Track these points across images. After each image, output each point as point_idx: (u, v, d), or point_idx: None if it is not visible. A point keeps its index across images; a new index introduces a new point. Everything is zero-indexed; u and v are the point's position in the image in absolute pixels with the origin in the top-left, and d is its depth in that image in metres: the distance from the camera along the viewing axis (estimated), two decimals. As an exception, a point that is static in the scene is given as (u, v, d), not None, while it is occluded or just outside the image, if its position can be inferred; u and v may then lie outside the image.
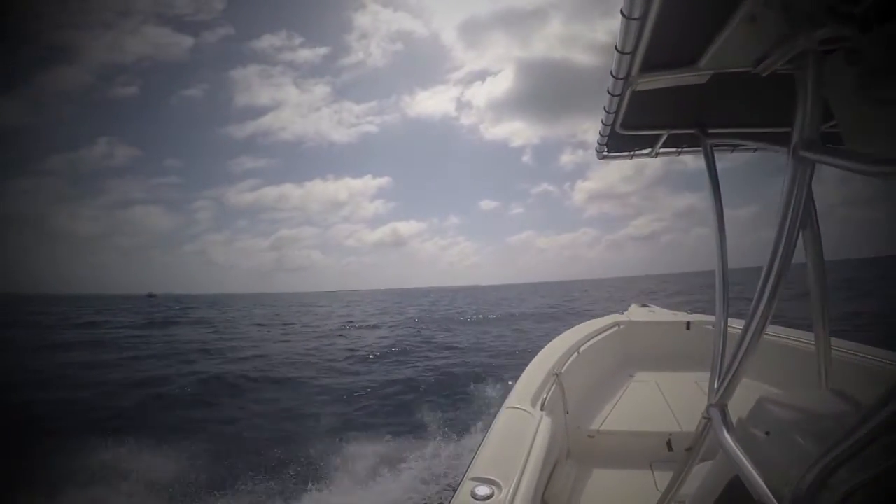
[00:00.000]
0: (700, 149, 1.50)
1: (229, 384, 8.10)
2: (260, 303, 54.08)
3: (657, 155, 1.84)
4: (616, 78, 1.10)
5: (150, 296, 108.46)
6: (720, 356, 1.17)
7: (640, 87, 1.16)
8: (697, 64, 1.06)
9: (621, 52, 0.97)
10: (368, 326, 18.54)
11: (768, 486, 0.77)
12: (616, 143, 1.75)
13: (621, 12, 0.87)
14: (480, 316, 21.75)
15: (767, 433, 0.88)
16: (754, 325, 0.94)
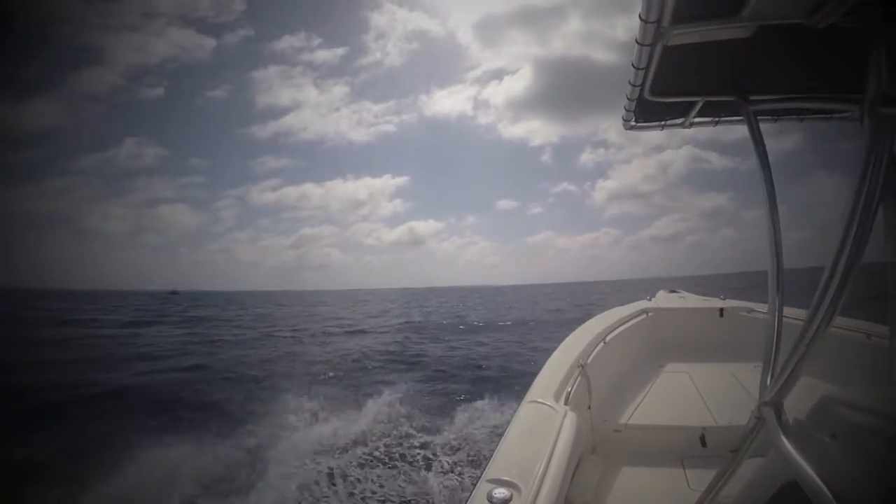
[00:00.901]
0: (740, 118, 1.40)
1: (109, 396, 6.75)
2: (273, 301, 53.47)
3: (691, 125, 1.70)
4: (646, 22, 0.98)
5: (173, 292, 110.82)
6: (773, 349, 1.09)
7: (672, 41, 1.04)
8: (740, 14, 0.94)
9: None
10: (352, 332, 16.76)
11: (834, 496, 0.69)
12: (645, 111, 1.63)
13: None
14: (481, 323, 19.68)
15: (833, 436, 0.78)
16: (820, 315, 0.84)
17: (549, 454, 1.20)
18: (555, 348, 2.35)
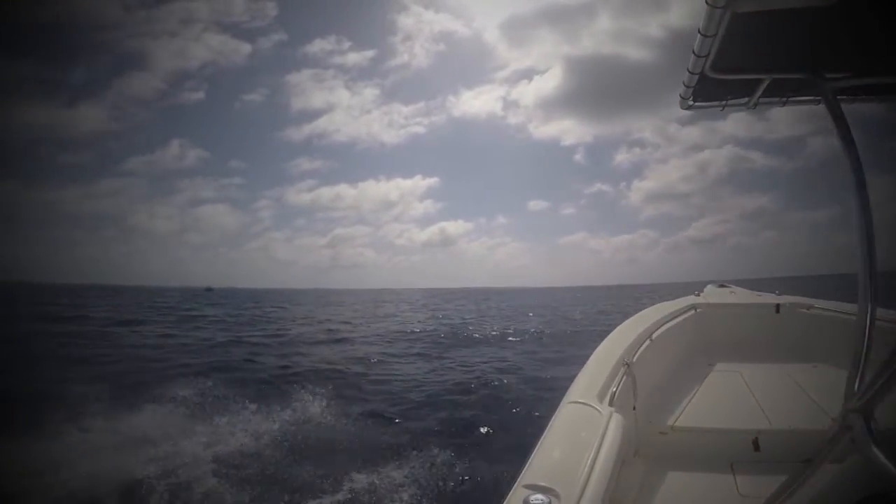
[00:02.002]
0: (812, 98, 1.35)
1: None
2: (293, 300, 52.92)
3: (756, 106, 1.60)
4: None
5: (208, 289, 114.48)
6: (864, 352, 1.02)
7: (743, 8, 0.99)
8: None
9: None
10: (330, 341, 14.80)
11: None
12: (705, 89, 1.54)
13: None
14: (494, 332, 17.24)
15: None
16: None
17: (593, 459, 1.10)
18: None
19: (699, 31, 1.10)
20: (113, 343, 13.57)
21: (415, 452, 4.55)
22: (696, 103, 1.60)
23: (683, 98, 1.57)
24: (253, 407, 5.82)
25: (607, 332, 2.54)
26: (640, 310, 3.15)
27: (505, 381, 7.76)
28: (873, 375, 0.87)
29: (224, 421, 5.36)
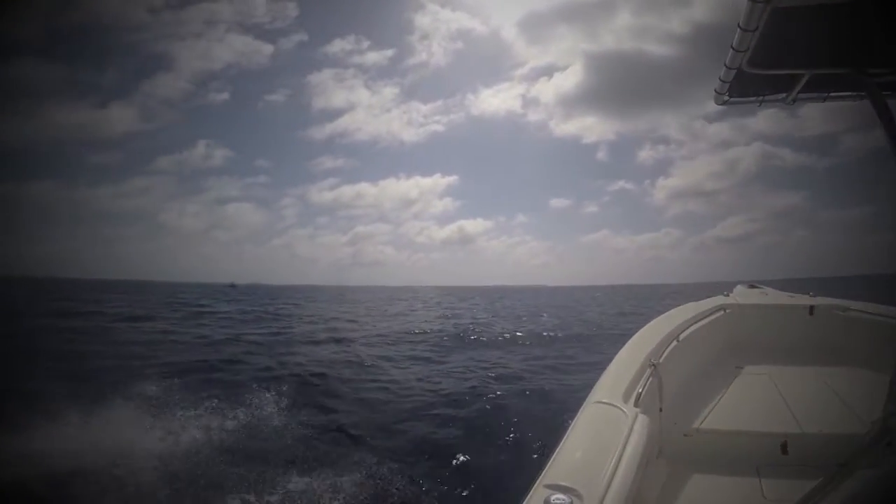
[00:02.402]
0: (855, 94, 1.34)
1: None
2: (308, 296, 53.05)
3: (794, 101, 1.60)
4: None
5: (232, 285, 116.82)
6: None
7: (784, 2, 0.99)
8: None
9: None
10: (339, 340, 14.21)
11: None
12: (741, 85, 1.53)
13: None
14: (504, 334, 16.36)
15: None
16: None
17: (617, 460, 1.08)
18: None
19: (739, 26, 1.11)
20: (111, 339, 13.36)
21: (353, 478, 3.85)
22: (732, 99, 1.59)
23: (719, 93, 1.57)
24: (208, 410, 5.67)
25: (623, 337, 2.44)
26: (663, 311, 3.01)
27: (502, 394, 6.90)
28: None
29: (175, 422, 5.32)
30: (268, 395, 6.50)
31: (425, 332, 16.14)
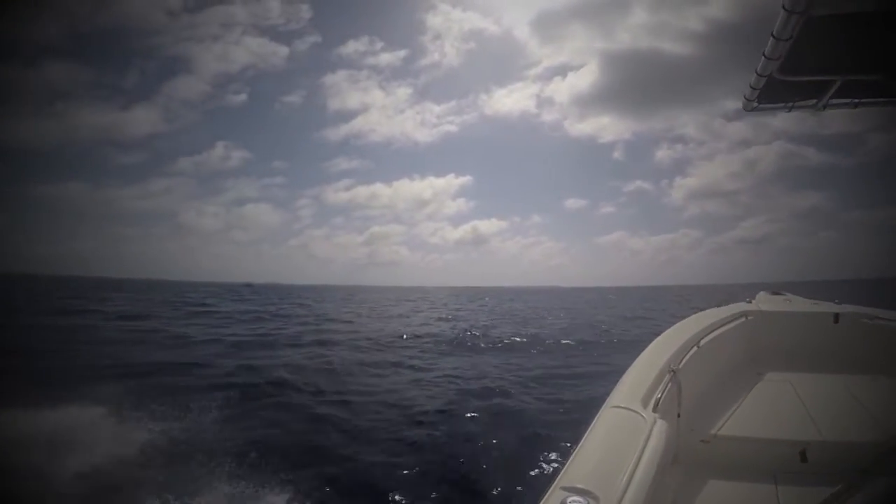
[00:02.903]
0: (887, 100, 1.35)
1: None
2: (325, 297, 52.95)
3: (825, 108, 1.60)
4: None
5: (248, 285, 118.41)
6: None
7: (819, 11, 0.99)
8: None
9: None
10: (323, 343, 13.54)
11: None
12: (770, 91, 1.53)
13: None
14: (504, 339, 15.48)
15: None
16: None
17: (635, 464, 1.07)
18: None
19: (772, 35, 1.11)
20: (96, 337, 13.08)
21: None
22: (762, 105, 1.63)
23: (748, 100, 1.60)
24: (144, 416, 5.44)
25: (633, 343, 2.46)
26: (679, 314, 2.97)
27: (477, 416, 6.00)
28: None
29: (107, 427, 5.13)
30: (210, 404, 5.90)
31: (421, 336, 15.36)
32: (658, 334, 2.43)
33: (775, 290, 3.97)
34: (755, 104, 1.58)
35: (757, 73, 1.34)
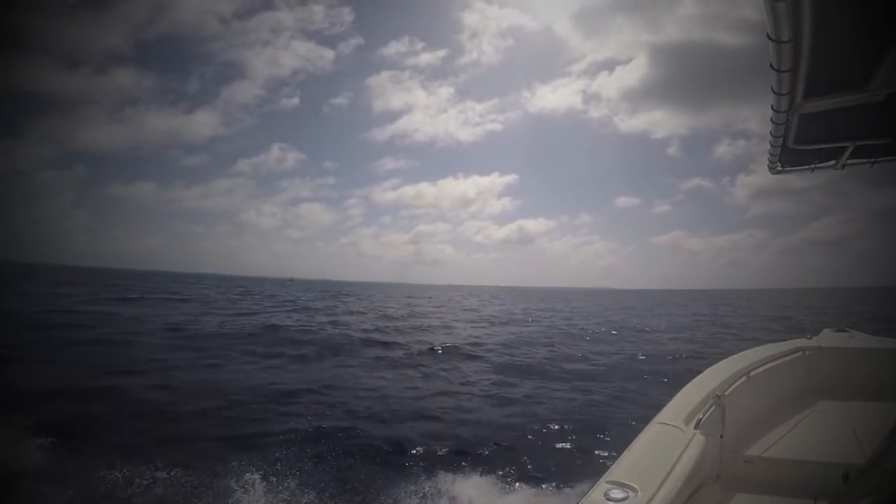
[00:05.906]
0: None
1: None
2: (358, 293, 52.17)
3: (844, 167, 1.69)
4: (779, 95, 1.09)
5: (290, 280, 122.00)
6: None
7: (807, 110, 1.15)
8: (869, 84, 1.01)
9: (779, 71, 1.01)
10: (302, 342, 11.67)
11: None
12: (791, 157, 1.68)
13: (768, 36, 0.93)
14: (543, 358, 13.01)
15: None
16: None
17: (670, 468, 1.22)
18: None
19: (771, 121, 1.25)
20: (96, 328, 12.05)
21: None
22: (785, 169, 1.75)
23: (770, 165, 1.73)
24: None
25: (685, 372, 2.44)
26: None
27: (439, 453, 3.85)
28: None
29: None
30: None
31: (399, 344, 12.58)
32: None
33: (841, 327, 3.70)
34: (778, 168, 1.70)
35: (771, 144, 1.50)
